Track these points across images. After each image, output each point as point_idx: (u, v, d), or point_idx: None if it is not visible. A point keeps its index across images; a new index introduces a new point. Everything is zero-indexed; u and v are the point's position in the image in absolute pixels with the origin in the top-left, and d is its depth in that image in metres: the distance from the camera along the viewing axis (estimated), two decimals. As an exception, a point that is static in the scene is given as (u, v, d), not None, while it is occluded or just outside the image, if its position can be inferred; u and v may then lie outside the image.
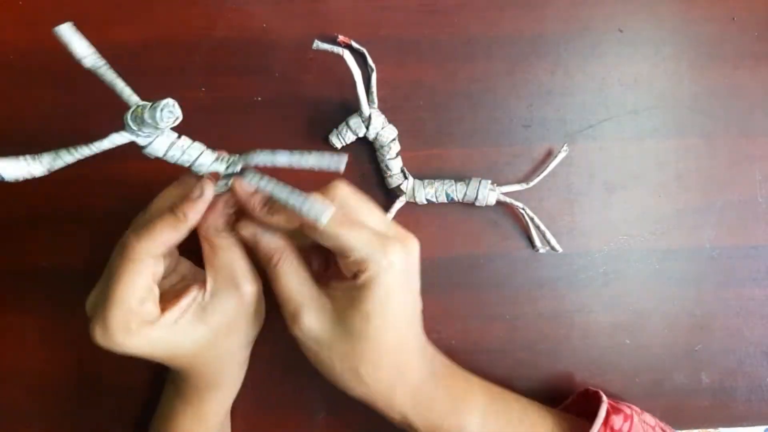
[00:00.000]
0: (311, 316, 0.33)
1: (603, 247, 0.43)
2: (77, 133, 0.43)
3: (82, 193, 0.43)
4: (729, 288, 0.43)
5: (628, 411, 0.37)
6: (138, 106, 0.29)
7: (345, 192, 0.33)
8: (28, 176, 0.28)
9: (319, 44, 0.38)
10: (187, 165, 0.31)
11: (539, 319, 0.43)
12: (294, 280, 0.33)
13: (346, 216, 0.32)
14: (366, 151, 0.43)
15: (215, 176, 0.32)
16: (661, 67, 0.44)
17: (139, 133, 0.29)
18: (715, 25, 0.44)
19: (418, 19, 0.44)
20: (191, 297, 0.34)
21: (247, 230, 0.33)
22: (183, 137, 0.31)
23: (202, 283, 0.34)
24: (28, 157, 0.28)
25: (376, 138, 0.41)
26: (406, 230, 0.34)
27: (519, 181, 0.43)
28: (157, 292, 0.33)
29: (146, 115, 0.28)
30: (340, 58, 0.38)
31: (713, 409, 0.43)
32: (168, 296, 0.34)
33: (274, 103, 0.43)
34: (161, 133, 0.29)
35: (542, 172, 0.42)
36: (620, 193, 0.44)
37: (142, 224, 0.32)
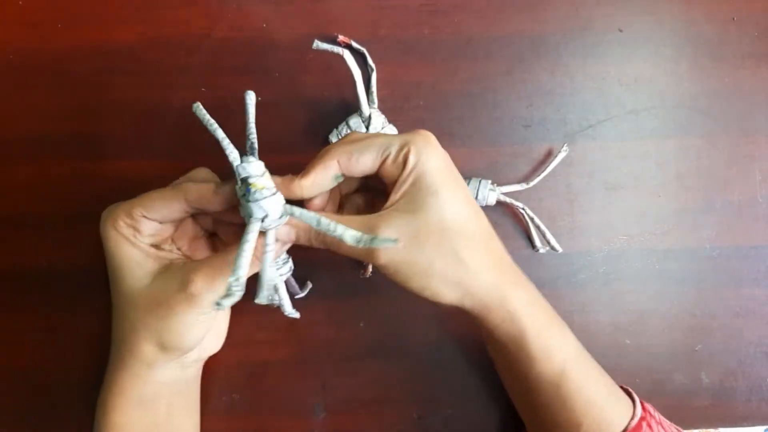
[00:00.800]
0: (386, 228, 0.33)
1: (603, 247, 0.43)
2: (77, 133, 0.43)
3: (81, 193, 0.43)
4: (729, 288, 0.43)
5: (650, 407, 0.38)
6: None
7: (348, 141, 0.34)
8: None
9: (319, 44, 0.38)
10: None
11: (539, 319, 0.43)
12: (352, 220, 0.33)
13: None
14: (366, 151, 0.43)
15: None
16: (661, 67, 0.44)
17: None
18: (715, 25, 0.44)
19: (418, 19, 0.44)
20: (168, 253, 0.36)
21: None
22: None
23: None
24: None
25: (376, 138, 0.41)
26: None
27: (519, 181, 0.43)
28: (163, 231, 0.36)
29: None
30: (340, 58, 0.38)
31: (713, 409, 0.43)
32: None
33: (274, 103, 0.43)
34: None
35: (542, 172, 0.42)
36: (620, 193, 0.44)
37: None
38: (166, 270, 0.35)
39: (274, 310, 0.41)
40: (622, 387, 0.39)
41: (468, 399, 0.43)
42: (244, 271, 0.30)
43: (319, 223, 0.31)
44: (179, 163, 0.39)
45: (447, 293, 0.34)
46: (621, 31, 0.44)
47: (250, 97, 0.34)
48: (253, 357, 0.41)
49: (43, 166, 0.43)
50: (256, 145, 0.34)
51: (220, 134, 0.33)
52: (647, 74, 0.44)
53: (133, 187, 0.42)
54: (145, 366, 0.35)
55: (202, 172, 0.37)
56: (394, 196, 0.34)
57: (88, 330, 0.42)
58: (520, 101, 0.44)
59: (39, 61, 0.43)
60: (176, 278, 0.34)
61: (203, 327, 0.35)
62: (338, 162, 0.34)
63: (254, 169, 0.32)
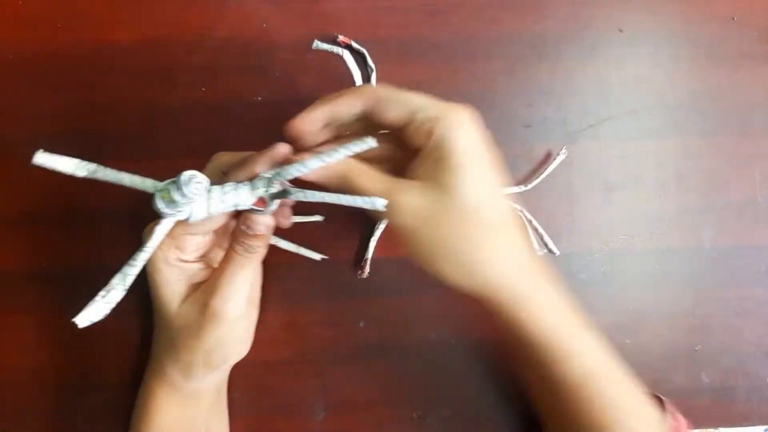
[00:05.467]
0: (404, 196, 0.31)
1: (603, 247, 0.43)
2: (77, 133, 0.43)
3: (82, 193, 0.43)
4: (729, 288, 0.43)
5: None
6: (164, 190, 0.30)
7: (383, 88, 0.33)
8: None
9: (318, 44, 0.38)
10: (233, 209, 0.32)
11: (539, 319, 0.43)
12: (374, 177, 0.32)
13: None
14: (366, 151, 0.43)
15: (261, 203, 0.33)
16: (661, 67, 0.44)
17: (177, 212, 0.31)
18: (715, 25, 0.44)
19: (418, 19, 0.44)
20: (206, 272, 0.36)
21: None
22: (212, 188, 0.32)
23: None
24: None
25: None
26: None
27: (519, 181, 0.43)
28: (206, 244, 0.36)
29: (177, 196, 0.29)
30: (340, 58, 0.38)
31: (713, 409, 0.43)
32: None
33: (274, 103, 0.43)
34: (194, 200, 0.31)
35: (541, 175, 0.42)
36: (620, 193, 0.44)
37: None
38: (195, 291, 0.36)
39: (273, 310, 0.41)
40: (654, 395, 0.39)
41: (468, 399, 0.43)
42: (137, 270, 0.31)
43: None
44: (179, 163, 0.39)
45: (459, 279, 0.32)
46: (621, 31, 0.44)
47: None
48: (253, 357, 0.41)
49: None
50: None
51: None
52: (647, 74, 0.44)
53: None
54: (185, 378, 0.36)
55: (224, 157, 0.35)
56: (416, 167, 0.32)
57: (89, 329, 0.42)
58: (520, 101, 0.44)
59: (39, 61, 0.43)
60: (200, 300, 0.35)
61: (238, 340, 0.36)
62: (363, 101, 0.33)
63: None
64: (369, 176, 0.32)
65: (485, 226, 0.32)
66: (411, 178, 0.32)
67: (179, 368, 0.36)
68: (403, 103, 0.32)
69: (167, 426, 0.37)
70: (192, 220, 0.31)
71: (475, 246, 0.32)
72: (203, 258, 0.37)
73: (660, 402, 0.38)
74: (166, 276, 0.35)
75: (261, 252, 0.34)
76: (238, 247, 0.34)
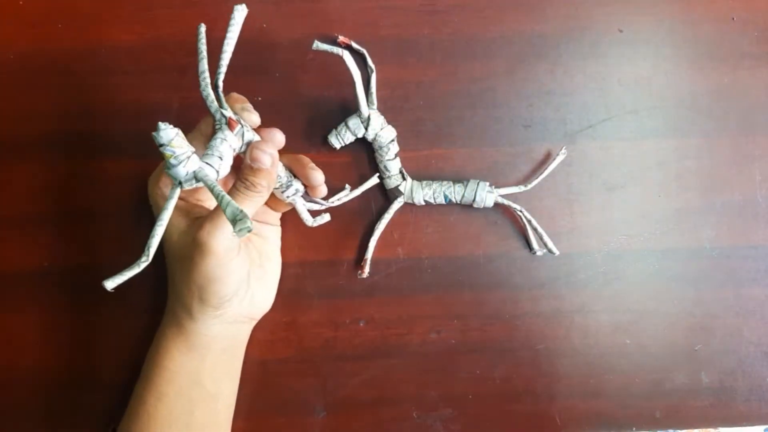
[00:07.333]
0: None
1: (603, 247, 0.43)
2: (77, 133, 0.43)
3: (82, 193, 0.43)
4: (729, 288, 0.43)
5: None
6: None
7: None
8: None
9: (319, 44, 0.38)
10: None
11: (539, 319, 0.43)
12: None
13: None
14: (365, 151, 0.43)
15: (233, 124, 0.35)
16: (661, 67, 0.44)
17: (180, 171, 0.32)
18: (715, 25, 0.44)
19: (418, 19, 0.44)
20: (203, 209, 0.37)
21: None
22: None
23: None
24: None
25: (375, 139, 0.41)
26: None
27: (519, 182, 0.43)
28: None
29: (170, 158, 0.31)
30: (340, 59, 0.38)
31: (713, 409, 0.43)
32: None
33: (274, 103, 0.43)
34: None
35: (541, 174, 0.42)
36: (620, 193, 0.44)
37: None
38: (191, 225, 0.36)
39: (273, 309, 0.41)
40: None
41: (468, 399, 0.43)
42: (156, 240, 0.30)
43: (213, 188, 0.30)
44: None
45: None
46: (621, 31, 0.44)
47: (201, 31, 0.34)
48: (253, 356, 0.41)
49: (43, 166, 0.43)
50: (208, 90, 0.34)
51: (202, 66, 0.33)
52: (647, 74, 0.44)
53: (133, 187, 0.42)
54: (189, 317, 0.37)
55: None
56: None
57: (89, 329, 0.42)
58: (520, 101, 0.44)
59: (39, 61, 0.43)
60: (192, 232, 0.35)
61: (228, 278, 0.36)
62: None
63: (163, 136, 0.30)
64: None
65: None
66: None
67: (182, 305, 0.37)
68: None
69: (173, 370, 0.37)
70: (186, 183, 0.32)
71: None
72: (199, 195, 0.38)
73: None
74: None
75: (263, 192, 0.35)
76: (240, 184, 0.34)
